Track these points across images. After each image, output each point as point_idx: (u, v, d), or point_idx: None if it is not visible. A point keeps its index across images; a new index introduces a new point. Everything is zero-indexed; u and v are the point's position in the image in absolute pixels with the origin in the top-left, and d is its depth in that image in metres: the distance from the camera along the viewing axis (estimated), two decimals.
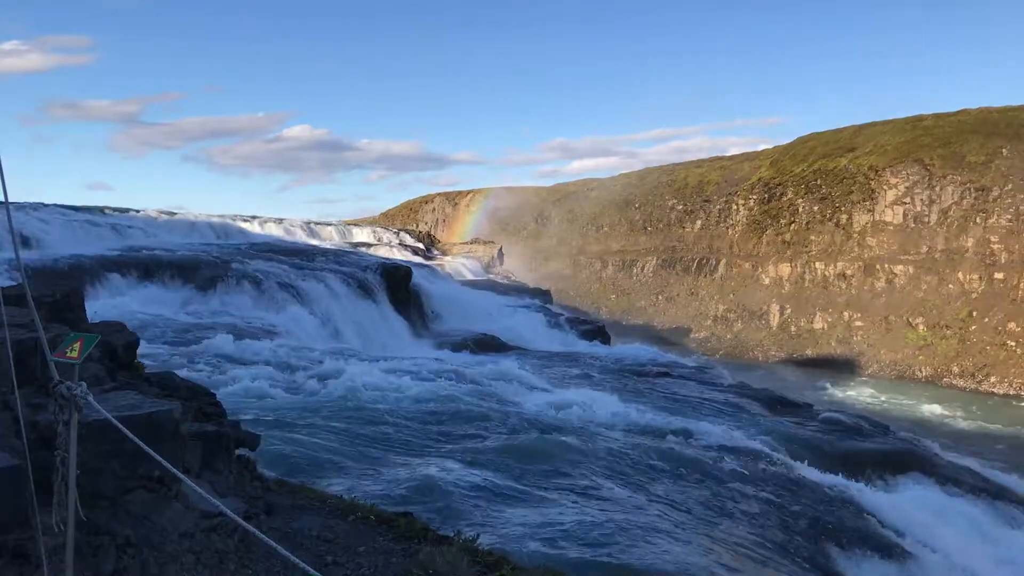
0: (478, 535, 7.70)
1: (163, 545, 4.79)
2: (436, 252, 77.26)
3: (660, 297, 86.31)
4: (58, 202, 45.21)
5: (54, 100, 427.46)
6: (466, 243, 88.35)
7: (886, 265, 68.57)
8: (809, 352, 68.59)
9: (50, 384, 3.42)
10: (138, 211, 50.52)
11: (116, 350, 7.51)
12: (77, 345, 3.59)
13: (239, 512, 5.57)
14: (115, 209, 50.30)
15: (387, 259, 47.85)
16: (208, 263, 33.81)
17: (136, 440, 3.31)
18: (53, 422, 3.41)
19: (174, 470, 3.37)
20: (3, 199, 3.47)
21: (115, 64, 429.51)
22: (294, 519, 6.85)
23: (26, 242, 32.83)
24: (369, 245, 63.62)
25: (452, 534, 7.49)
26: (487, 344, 34.64)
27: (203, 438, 6.12)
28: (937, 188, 67.41)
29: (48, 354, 3.57)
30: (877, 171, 71.66)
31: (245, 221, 58.98)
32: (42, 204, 42.74)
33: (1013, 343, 58.15)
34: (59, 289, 7.85)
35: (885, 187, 70.44)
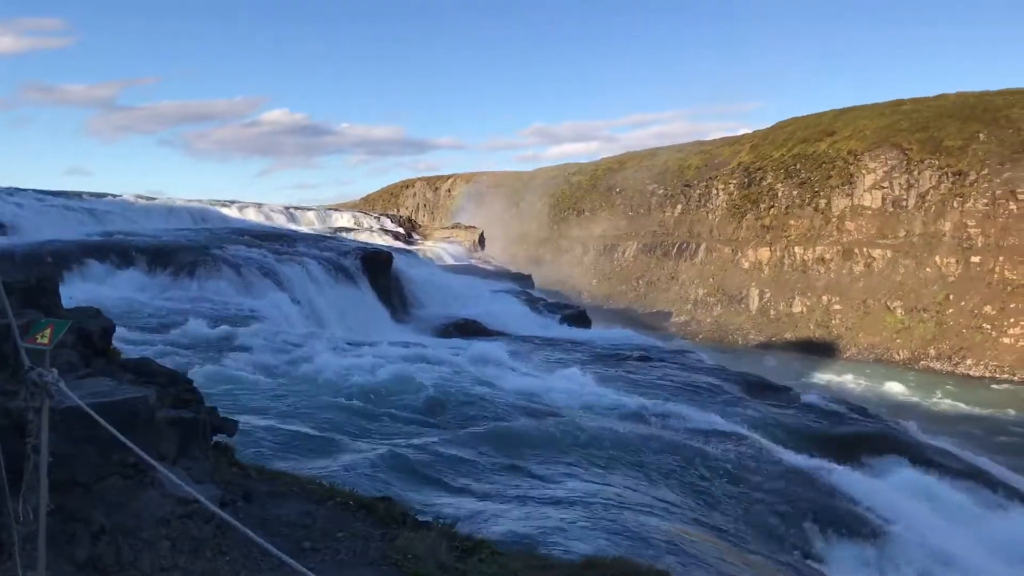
0: (456, 520, 7.72)
1: (138, 532, 4.76)
2: (417, 237, 76.90)
3: (641, 282, 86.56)
4: (35, 187, 44.51)
5: (30, 84, 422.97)
6: (447, 228, 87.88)
7: (864, 249, 69.03)
8: (788, 336, 69.06)
9: (21, 371, 3.38)
10: (116, 196, 49.87)
11: (91, 336, 7.42)
12: (48, 331, 3.55)
13: (215, 499, 5.55)
14: (92, 194, 49.62)
15: (368, 244, 47.55)
16: (187, 248, 33.44)
17: (108, 427, 3.28)
18: (24, 409, 3.37)
19: (146, 457, 3.34)
20: None
21: (90, 47, 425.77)
22: (272, 505, 6.82)
23: None
24: (350, 230, 63.19)
25: (431, 519, 7.49)
26: (469, 329, 34.65)
27: (179, 424, 6.06)
28: (915, 172, 67.85)
29: (19, 341, 3.52)
30: (856, 155, 72.02)
31: (224, 206, 58.35)
32: (17, 189, 42.04)
33: (988, 326, 58.78)
34: (32, 274, 7.73)
35: (864, 171, 70.84)
